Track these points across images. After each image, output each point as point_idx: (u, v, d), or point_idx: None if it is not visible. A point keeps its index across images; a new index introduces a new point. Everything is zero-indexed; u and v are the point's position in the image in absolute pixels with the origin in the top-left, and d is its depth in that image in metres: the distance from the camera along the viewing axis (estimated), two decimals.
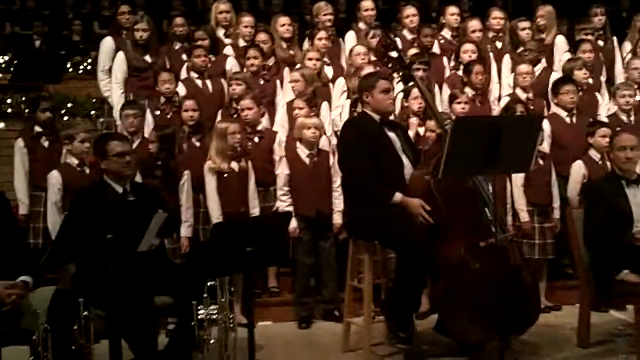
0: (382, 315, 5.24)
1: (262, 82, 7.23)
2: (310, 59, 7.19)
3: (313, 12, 8.27)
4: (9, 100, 8.12)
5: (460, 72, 7.43)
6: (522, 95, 7.08)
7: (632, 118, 7.02)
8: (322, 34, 7.57)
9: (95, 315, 4.15)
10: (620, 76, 8.01)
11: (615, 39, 8.35)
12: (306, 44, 7.91)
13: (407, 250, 4.90)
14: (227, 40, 7.87)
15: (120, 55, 7.45)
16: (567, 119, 6.76)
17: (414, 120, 6.09)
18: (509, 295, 4.56)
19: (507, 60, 7.72)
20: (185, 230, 6.03)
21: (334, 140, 6.37)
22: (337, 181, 6.12)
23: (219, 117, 6.82)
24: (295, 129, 6.34)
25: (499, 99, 7.48)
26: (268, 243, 4.42)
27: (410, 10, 8.14)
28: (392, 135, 5.21)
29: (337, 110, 7.08)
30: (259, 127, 6.58)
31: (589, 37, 7.94)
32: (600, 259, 5.26)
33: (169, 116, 6.85)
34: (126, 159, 4.94)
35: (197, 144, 6.47)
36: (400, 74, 5.63)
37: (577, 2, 9.28)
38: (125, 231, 4.21)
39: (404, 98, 6.50)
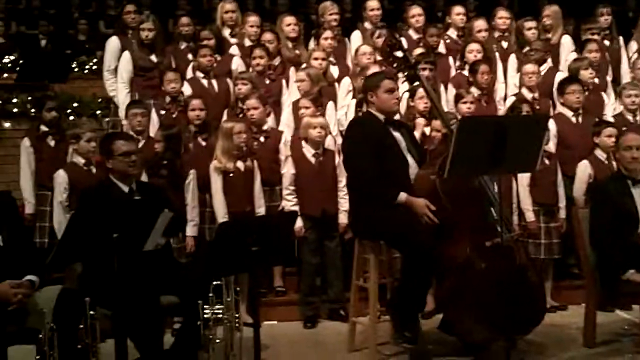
0: (387, 314, 5.24)
1: (267, 81, 7.24)
2: (315, 59, 7.19)
3: (319, 12, 8.30)
4: (14, 100, 8.13)
5: (465, 72, 7.43)
6: (528, 95, 7.07)
7: (638, 118, 7.01)
8: (327, 33, 7.58)
9: (101, 314, 4.16)
10: (626, 76, 8.00)
11: (621, 38, 8.34)
12: (312, 44, 7.91)
13: (412, 250, 4.89)
14: (233, 40, 7.88)
15: (126, 54, 7.46)
16: (573, 119, 6.75)
17: (420, 120, 6.07)
18: (515, 295, 4.55)
19: (513, 60, 7.72)
20: (190, 230, 6.03)
21: (340, 140, 6.36)
22: (342, 181, 6.11)
23: (224, 117, 6.82)
24: (301, 128, 6.34)
25: (505, 98, 7.47)
26: (274, 243, 4.41)
27: (416, 10, 8.14)
28: (397, 134, 5.21)
29: (342, 110, 7.09)
30: (265, 127, 6.58)
31: (595, 36, 7.93)
32: (606, 259, 5.26)
33: (174, 116, 6.85)
34: (132, 158, 4.94)
35: (203, 143, 6.47)
36: (406, 73, 5.62)
37: (583, 1, 9.26)
38: (131, 230, 4.21)
39: (410, 98, 6.49)
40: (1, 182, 7.35)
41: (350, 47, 8.00)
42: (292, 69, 7.46)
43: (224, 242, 4.36)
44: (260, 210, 6.25)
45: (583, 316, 5.52)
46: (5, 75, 9.71)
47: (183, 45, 7.88)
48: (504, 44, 8.01)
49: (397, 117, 5.97)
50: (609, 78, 7.78)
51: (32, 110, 7.85)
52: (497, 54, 7.83)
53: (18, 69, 8.98)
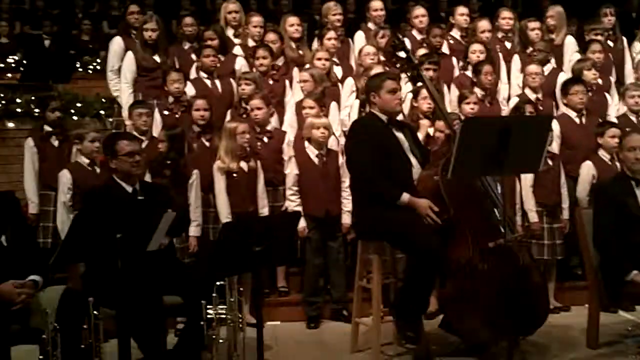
0: (390, 315, 5.24)
1: (271, 82, 7.24)
2: (319, 59, 7.19)
3: (322, 12, 8.30)
4: (18, 100, 8.13)
5: (468, 73, 7.43)
6: (532, 95, 7.07)
7: None
8: (331, 34, 7.58)
9: (105, 314, 4.17)
10: (629, 77, 8.00)
11: (625, 39, 8.34)
12: (315, 44, 7.91)
13: (415, 250, 4.89)
14: (237, 40, 7.88)
15: (130, 55, 7.46)
16: (577, 120, 6.75)
17: (424, 122, 6.07)
18: (518, 296, 4.55)
19: (516, 60, 7.71)
20: (193, 230, 6.02)
21: (343, 140, 6.36)
22: (346, 181, 6.12)
23: (228, 117, 6.82)
24: (304, 129, 6.34)
25: (508, 99, 7.47)
26: (277, 243, 4.41)
27: (419, 11, 8.14)
28: (399, 135, 5.21)
29: (345, 110, 7.09)
30: (268, 127, 6.58)
31: (599, 37, 7.92)
32: (609, 260, 5.25)
33: (177, 116, 6.85)
34: (136, 158, 4.96)
35: (207, 143, 6.48)
36: (409, 74, 5.61)
37: (586, 2, 9.25)
38: (134, 231, 4.22)
39: (413, 98, 6.49)
40: (5, 182, 7.36)
41: (353, 48, 8.00)
42: (295, 70, 7.46)
43: (227, 243, 4.36)
44: (264, 210, 6.25)
45: (586, 317, 5.51)
46: (9, 75, 9.74)
47: (187, 46, 7.89)
48: (508, 45, 8.00)
49: (400, 117, 5.98)
50: (612, 79, 7.78)
51: (36, 110, 7.84)
52: (500, 54, 7.83)
53: (22, 69, 9.00)
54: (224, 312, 4.48)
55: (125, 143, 4.98)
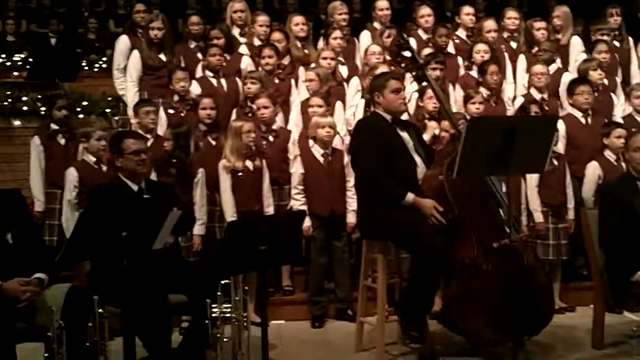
0: (395, 314, 5.24)
1: (277, 81, 7.24)
2: (324, 58, 7.20)
3: (328, 12, 8.30)
4: (24, 98, 8.15)
5: (473, 73, 7.43)
6: (537, 95, 7.06)
7: None
8: (337, 33, 7.58)
9: (110, 312, 4.17)
10: (635, 77, 8.00)
11: (631, 39, 8.32)
12: (321, 43, 7.91)
13: (420, 250, 4.89)
14: (242, 39, 7.88)
15: (135, 53, 7.47)
16: (582, 120, 6.74)
17: (432, 124, 6.05)
18: (523, 296, 4.54)
19: (522, 60, 7.70)
20: (197, 229, 6.02)
21: (348, 140, 6.36)
22: (351, 181, 6.11)
23: (233, 116, 6.83)
24: (309, 128, 6.35)
25: (514, 99, 7.46)
26: (282, 242, 4.42)
27: (425, 10, 8.15)
28: (404, 135, 5.21)
29: (351, 110, 7.10)
30: (274, 126, 6.58)
31: (605, 37, 7.91)
32: (614, 260, 5.24)
33: (182, 114, 6.86)
34: (142, 156, 4.96)
35: (213, 142, 6.48)
36: (414, 73, 5.61)
37: (593, 2, 9.24)
38: (140, 229, 4.22)
39: (419, 98, 6.49)
40: (11, 180, 7.38)
41: (359, 47, 8.01)
42: (301, 69, 7.46)
43: (233, 241, 4.37)
44: (269, 209, 6.26)
45: (591, 317, 5.51)
46: (16, 73, 9.77)
47: (193, 45, 7.90)
48: (513, 45, 8.00)
49: (405, 117, 5.98)
50: (618, 79, 7.77)
51: (42, 108, 7.86)
52: (506, 54, 7.82)
53: (28, 67, 9.02)
54: (228, 310, 4.48)
55: (131, 141, 4.99)
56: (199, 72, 7.44)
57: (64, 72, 7.98)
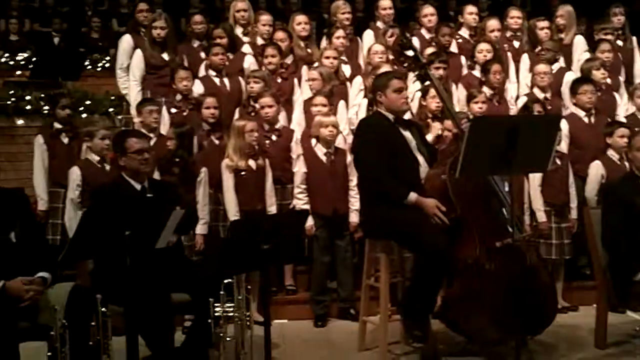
0: (398, 314, 5.24)
1: (279, 80, 7.24)
2: (327, 58, 7.20)
3: (331, 11, 8.30)
4: (28, 97, 8.16)
5: (476, 72, 7.42)
6: (540, 95, 7.06)
7: None
8: (339, 32, 7.59)
9: (113, 311, 4.17)
10: (639, 76, 7.99)
11: (634, 38, 8.32)
12: (324, 43, 7.91)
13: (423, 249, 4.89)
14: (245, 39, 7.88)
15: (138, 52, 7.47)
16: (586, 119, 6.73)
17: (436, 124, 6.04)
18: (525, 295, 4.55)
19: (525, 59, 7.70)
20: (200, 228, 6.01)
21: (351, 139, 6.36)
22: (353, 180, 6.12)
23: (236, 115, 6.83)
24: (312, 127, 6.35)
25: (517, 98, 7.46)
26: (285, 241, 4.42)
27: (428, 10, 8.14)
28: (407, 134, 5.21)
29: (353, 109, 7.09)
30: (277, 125, 6.58)
31: (608, 37, 7.90)
32: (618, 260, 5.24)
33: (185, 113, 6.87)
34: (144, 155, 4.97)
35: (217, 141, 6.49)
36: (417, 73, 5.61)
37: (596, 2, 9.23)
38: (143, 228, 4.23)
39: (422, 97, 6.48)
40: (14, 179, 7.38)
41: (362, 46, 8.00)
42: (304, 68, 7.46)
43: (235, 241, 4.37)
44: (272, 208, 6.26)
45: (594, 317, 5.50)
46: (19, 72, 9.78)
47: (196, 44, 7.89)
48: (516, 44, 7.99)
49: (408, 116, 5.97)
50: (621, 78, 7.76)
51: (45, 107, 7.87)
52: (509, 53, 7.82)
53: (31, 66, 9.03)
54: (231, 310, 4.48)
55: (134, 140, 4.99)
56: (202, 72, 7.44)
57: (67, 71, 8.00)
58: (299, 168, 6.28)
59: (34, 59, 9.58)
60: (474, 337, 5.15)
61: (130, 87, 7.48)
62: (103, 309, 4.05)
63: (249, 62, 7.49)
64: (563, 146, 6.48)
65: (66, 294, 4.15)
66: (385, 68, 6.67)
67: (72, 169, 6.14)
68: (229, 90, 7.21)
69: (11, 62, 10.25)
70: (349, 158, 6.13)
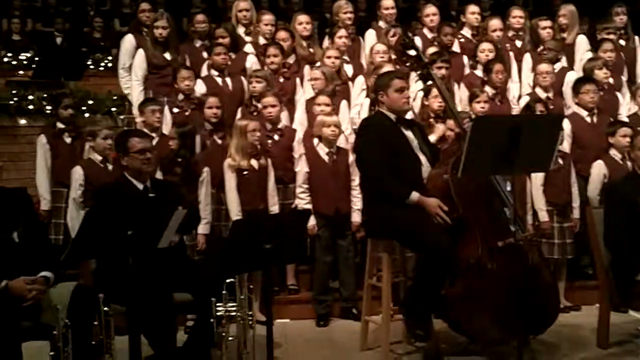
0: (400, 313, 5.23)
1: (282, 80, 7.25)
2: (328, 57, 7.21)
3: (333, 11, 8.31)
4: (30, 97, 8.17)
5: (478, 72, 7.42)
6: (542, 94, 7.06)
7: None
8: (342, 32, 7.59)
9: (115, 311, 4.18)
10: None
11: (637, 38, 8.33)
12: (326, 42, 7.92)
13: (425, 249, 4.89)
14: (248, 38, 7.89)
15: (141, 52, 7.48)
16: (588, 119, 6.73)
17: (440, 126, 6.03)
18: (528, 295, 4.54)
19: (527, 59, 7.70)
20: (202, 228, 6.01)
21: (353, 139, 6.36)
22: (355, 180, 6.12)
23: (238, 115, 6.83)
24: (314, 126, 6.35)
25: (519, 98, 7.46)
26: (287, 241, 4.42)
27: (430, 9, 8.15)
28: (408, 134, 5.20)
29: (356, 109, 7.10)
30: (279, 125, 6.59)
31: (611, 36, 7.91)
32: (620, 259, 5.24)
33: (187, 113, 6.87)
34: (147, 155, 4.97)
35: (219, 141, 6.49)
36: (419, 72, 5.61)
37: (598, 1, 9.22)
38: (145, 228, 4.23)
39: (424, 97, 6.48)
40: (16, 179, 7.38)
41: (364, 46, 8.01)
42: (306, 67, 7.47)
43: (238, 240, 4.37)
44: (274, 208, 6.27)
45: (596, 317, 5.50)
46: (21, 72, 9.79)
47: (198, 44, 7.90)
48: (518, 43, 7.99)
49: (411, 116, 5.97)
50: (624, 78, 7.76)
51: (48, 107, 7.88)
52: (511, 53, 7.82)
53: (34, 66, 9.04)
54: (233, 309, 4.48)
55: (136, 140, 5.00)
56: (204, 71, 7.45)
57: (70, 71, 8.01)
58: (301, 168, 6.28)
59: (36, 58, 9.61)
60: (476, 336, 5.14)
61: (133, 86, 7.48)
62: (105, 309, 4.05)
63: (251, 62, 7.50)
64: (565, 146, 6.48)
65: (69, 293, 4.15)
66: (387, 68, 6.67)
67: (74, 168, 6.14)
68: (231, 89, 7.22)
69: (14, 62, 10.26)
70: (351, 158, 6.13)
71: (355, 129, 6.65)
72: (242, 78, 7.28)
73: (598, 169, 6.41)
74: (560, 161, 6.24)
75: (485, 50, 7.42)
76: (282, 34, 7.63)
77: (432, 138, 5.56)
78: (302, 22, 7.81)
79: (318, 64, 7.29)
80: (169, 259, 4.63)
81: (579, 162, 6.54)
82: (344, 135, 6.54)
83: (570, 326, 5.85)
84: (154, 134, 6.25)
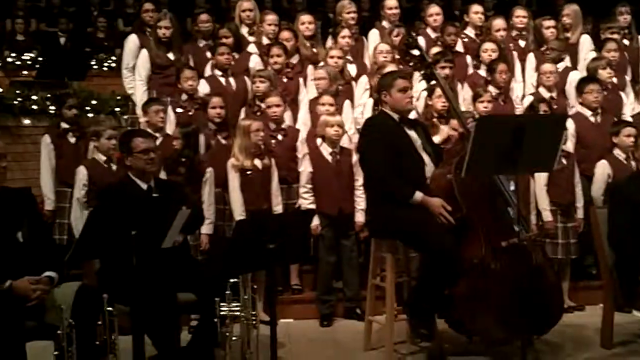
0: (404, 313, 5.24)
1: (285, 79, 7.25)
2: (331, 57, 7.20)
3: (336, 10, 8.31)
4: (34, 97, 8.17)
5: (481, 72, 7.42)
6: (546, 94, 7.05)
7: None
8: (345, 32, 7.59)
9: (119, 311, 4.18)
10: None
11: None
12: (329, 42, 7.92)
13: (428, 249, 4.89)
14: (251, 38, 7.89)
15: (144, 52, 7.49)
16: (592, 118, 6.72)
17: (445, 127, 6.02)
18: (532, 295, 4.54)
19: (531, 59, 7.69)
20: (205, 228, 6.01)
21: (356, 139, 6.36)
22: (359, 179, 6.12)
23: (242, 115, 6.84)
24: (318, 126, 6.35)
25: (522, 97, 7.45)
26: (290, 240, 4.42)
27: (434, 9, 8.14)
28: (412, 133, 5.20)
29: (359, 109, 7.10)
30: (283, 125, 6.59)
31: (615, 36, 7.89)
32: (624, 259, 5.23)
33: (190, 113, 6.88)
34: (150, 155, 4.97)
35: (223, 141, 6.49)
36: (423, 72, 5.60)
37: (602, 1, 9.21)
38: (149, 228, 4.23)
39: (428, 96, 6.48)
40: (20, 179, 7.38)
41: (368, 46, 8.00)
42: (310, 67, 7.47)
43: (241, 240, 4.37)
44: (278, 208, 6.27)
45: (600, 317, 5.50)
46: (25, 72, 9.78)
47: (202, 44, 7.91)
48: (522, 43, 7.99)
49: (414, 115, 5.97)
50: (627, 77, 7.75)
51: (51, 107, 7.88)
52: (514, 52, 7.81)
53: (38, 66, 9.04)
54: (237, 309, 4.49)
55: (140, 140, 5.00)
56: (207, 71, 7.46)
57: (73, 71, 8.02)
58: (305, 168, 6.28)
59: (40, 58, 9.61)
60: (480, 336, 5.14)
61: (136, 86, 7.50)
62: (109, 309, 4.05)
63: (255, 62, 7.50)
64: (569, 145, 6.47)
65: (73, 293, 4.16)
66: (391, 67, 6.67)
67: (78, 168, 6.16)
68: (234, 89, 7.22)
69: (17, 62, 10.25)
70: (355, 158, 6.14)
71: (358, 128, 6.63)
72: (246, 78, 7.29)
73: (602, 169, 6.40)
74: (564, 161, 6.24)
75: (489, 50, 7.41)
76: (285, 34, 7.64)
77: (437, 139, 5.55)
78: (304, 22, 7.81)
79: (321, 63, 7.29)
80: (172, 259, 4.63)
81: (583, 162, 6.54)
82: (347, 135, 6.53)
83: (574, 326, 5.84)
84: (157, 134, 6.26)
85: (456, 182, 4.94)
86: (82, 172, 6.11)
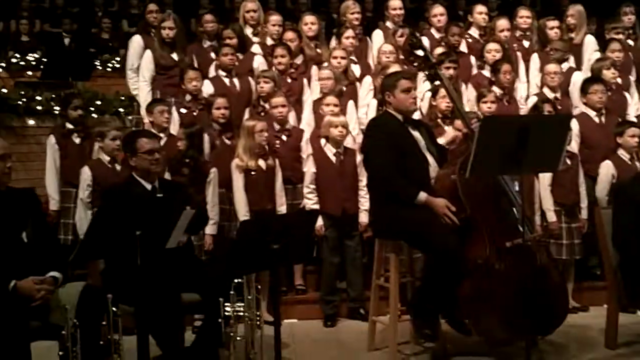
0: (408, 314, 5.23)
1: (289, 80, 7.25)
2: (335, 57, 7.20)
3: (340, 11, 8.31)
4: (38, 98, 8.19)
5: (485, 72, 7.41)
6: (550, 94, 7.04)
7: None
8: (349, 32, 7.60)
9: (124, 311, 4.19)
10: None
11: None
12: (333, 43, 7.92)
13: (432, 249, 4.89)
14: (255, 39, 7.90)
15: (148, 53, 7.49)
16: (596, 119, 6.72)
17: (450, 129, 6.02)
18: (536, 295, 4.53)
19: (535, 59, 7.68)
20: (209, 228, 6.01)
21: (360, 139, 6.36)
22: (363, 180, 6.12)
23: (246, 115, 6.84)
24: (322, 127, 6.35)
25: (526, 98, 7.45)
26: (294, 241, 4.42)
27: (438, 9, 8.15)
28: (416, 134, 5.20)
29: (363, 109, 7.10)
30: (287, 125, 6.59)
31: (619, 36, 7.89)
32: (628, 260, 5.22)
33: (195, 114, 6.88)
34: (155, 155, 4.98)
35: (228, 142, 6.50)
36: (427, 72, 5.60)
37: (607, 1, 9.21)
38: (153, 228, 4.23)
39: (432, 97, 6.48)
40: (25, 179, 7.40)
41: (371, 46, 8.00)
42: (314, 68, 7.47)
43: (245, 240, 4.38)
44: (282, 208, 6.27)
45: (605, 317, 5.49)
46: (30, 73, 9.80)
47: (206, 44, 7.91)
48: (526, 43, 7.98)
49: (418, 116, 5.96)
50: (632, 78, 7.73)
51: (56, 108, 7.90)
52: (518, 53, 7.80)
53: (42, 67, 9.05)
54: (241, 309, 4.49)
55: (144, 141, 5.01)
56: (211, 72, 7.46)
57: (78, 72, 8.04)
58: (309, 168, 6.29)
59: (44, 59, 9.61)
60: (484, 337, 5.13)
61: (140, 87, 7.50)
62: (114, 309, 4.06)
63: (259, 62, 7.51)
64: (573, 146, 6.46)
65: (77, 293, 4.16)
66: (395, 68, 6.67)
67: (82, 169, 6.17)
68: (238, 90, 7.22)
69: (22, 63, 10.26)
70: (359, 158, 6.13)
71: (362, 129, 6.65)
72: (250, 79, 7.29)
73: (606, 169, 6.39)
74: (568, 161, 6.22)
75: (493, 51, 7.41)
76: (289, 35, 7.63)
77: (442, 141, 5.55)
78: (308, 23, 7.82)
79: (325, 64, 7.29)
80: (177, 259, 4.63)
81: (587, 163, 6.53)
82: (351, 135, 6.54)
83: (578, 327, 5.84)
84: (162, 135, 6.26)
85: (460, 182, 4.94)
86: (86, 173, 6.12)
